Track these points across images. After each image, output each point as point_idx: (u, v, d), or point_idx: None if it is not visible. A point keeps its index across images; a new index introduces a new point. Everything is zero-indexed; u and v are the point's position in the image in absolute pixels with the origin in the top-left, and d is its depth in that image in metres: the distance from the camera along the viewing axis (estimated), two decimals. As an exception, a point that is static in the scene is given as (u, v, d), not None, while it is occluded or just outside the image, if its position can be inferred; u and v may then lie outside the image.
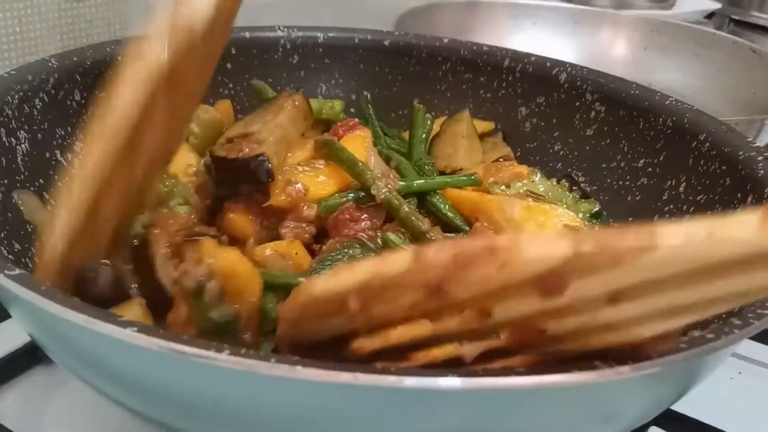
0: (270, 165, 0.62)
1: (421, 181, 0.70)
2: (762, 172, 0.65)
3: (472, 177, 0.71)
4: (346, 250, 0.60)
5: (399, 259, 0.36)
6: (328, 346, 0.42)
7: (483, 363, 0.39)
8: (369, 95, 0.86)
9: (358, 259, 0.56)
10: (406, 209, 0.59)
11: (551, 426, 0.43)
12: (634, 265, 0.32)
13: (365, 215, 0.63)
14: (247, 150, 0.63)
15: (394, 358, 0.40)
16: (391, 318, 0.39)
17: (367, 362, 0.40)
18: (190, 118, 0.71)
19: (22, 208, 0.67)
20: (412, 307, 0.38)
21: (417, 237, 0.60)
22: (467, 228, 0.67)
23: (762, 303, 0.49)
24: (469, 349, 0.39)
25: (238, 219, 0.64)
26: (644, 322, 0.36)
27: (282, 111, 0.70)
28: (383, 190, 0.60)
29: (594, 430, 0.47)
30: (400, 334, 0.39)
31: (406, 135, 0.86)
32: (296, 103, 0.72)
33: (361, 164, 0.63)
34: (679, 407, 0.63)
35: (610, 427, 0.48)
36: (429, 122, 0.83)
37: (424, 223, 0.60)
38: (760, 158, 0.67)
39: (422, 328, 0.39)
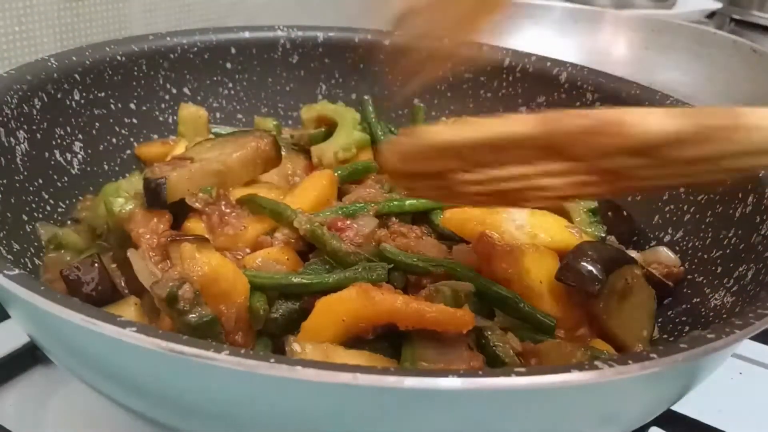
0: (165, 191, 0.63)
1: (412, 202, 0.71)
2: (762, 172, 0.65)
3: None
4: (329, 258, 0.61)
5: (525, 125, 0.42)
6: (428, 176, 0.49)
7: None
8: (370, 98, 0.86)
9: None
10: (334, 243, 0.60)
11: (551, 426, 0.43)
12: (722, 143, 0.42)
13: (353, 225, 0.64)
14: (157, 171, 0.64)
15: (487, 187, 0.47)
16: (500, 163, 0.45)
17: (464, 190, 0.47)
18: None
19: (42, 236, 0.67)
20: (522, 158, 0.44)
21: (342, 263, 0.61)
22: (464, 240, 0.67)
23: (762, 303, 0.49)
24: (560, 184, 0.46)
25: (194, 227, 0.65)
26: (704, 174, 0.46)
27: (241, 149, 0.70)
28: (304, 225, 0.62)
29: (594, 430, 0.47)
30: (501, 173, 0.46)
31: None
32: (260, 147, 0.71)
33: (281, 206, 0.64)
34: (679, 407, 0.63)
35: (610, 428, 0.48)
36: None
37: (351, 254, 0.61)
38: (760, 158, 0.67)
39: (525, 169, 0.46)
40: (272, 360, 0.36)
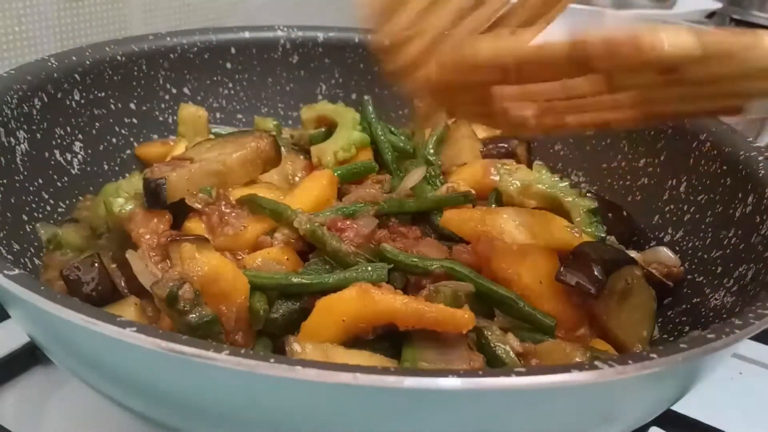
0: (165, 191, 0.63)
1: (412, 202, 0.71)
2: (762, 172, 0.65)
3: (467, 196, 0.71)
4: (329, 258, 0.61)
5: (557, 44, 0.48)
6: (469, 92, 0.53)
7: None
8: (370, 98, 0.86)
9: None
10: (334, 243, 0.60)
11: (551, 426, 0.43)
12: (740, 60, 0.45)
13: (353, 225, 0.64)
14: (157, 171, 0.64)
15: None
16: (535, 78, 0.50)
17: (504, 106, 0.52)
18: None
19: (42, 236, 0.67)
20: (557, 75, 0.49)
21: (342, 263, 0.61)
22: (464, 240, 0.67)
23: (762, 303, 0.49)
24: (591, 103, 0.50)
25: (194, 227, 0.65)
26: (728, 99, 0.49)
27: (241, 149, 0.70)
28: (305, 225, 0.62)
29: (594, 430, 0.47)
30: (538, 89, 0.51)
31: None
32: (260, 147, 0.71)
33: (281, 206, 0.64)
34: (679, 407, 0.63)
35: (610, 427, 0.48)
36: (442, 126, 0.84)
37: (351, 255, 0.61)
38: (760, 158, 0.67)
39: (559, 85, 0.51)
40: (272, 360, 0.36)
